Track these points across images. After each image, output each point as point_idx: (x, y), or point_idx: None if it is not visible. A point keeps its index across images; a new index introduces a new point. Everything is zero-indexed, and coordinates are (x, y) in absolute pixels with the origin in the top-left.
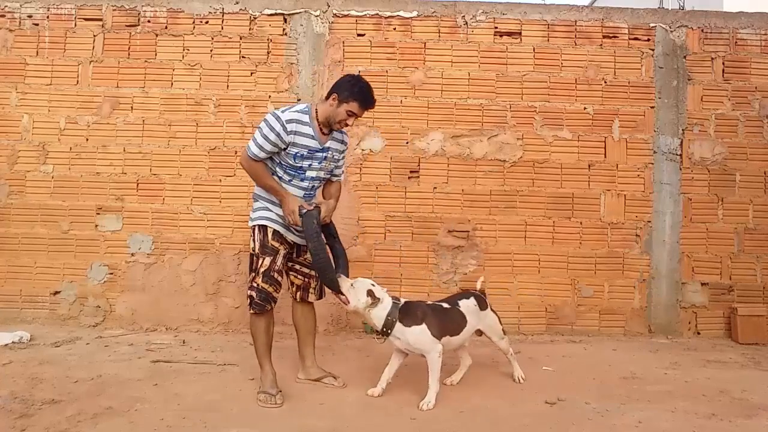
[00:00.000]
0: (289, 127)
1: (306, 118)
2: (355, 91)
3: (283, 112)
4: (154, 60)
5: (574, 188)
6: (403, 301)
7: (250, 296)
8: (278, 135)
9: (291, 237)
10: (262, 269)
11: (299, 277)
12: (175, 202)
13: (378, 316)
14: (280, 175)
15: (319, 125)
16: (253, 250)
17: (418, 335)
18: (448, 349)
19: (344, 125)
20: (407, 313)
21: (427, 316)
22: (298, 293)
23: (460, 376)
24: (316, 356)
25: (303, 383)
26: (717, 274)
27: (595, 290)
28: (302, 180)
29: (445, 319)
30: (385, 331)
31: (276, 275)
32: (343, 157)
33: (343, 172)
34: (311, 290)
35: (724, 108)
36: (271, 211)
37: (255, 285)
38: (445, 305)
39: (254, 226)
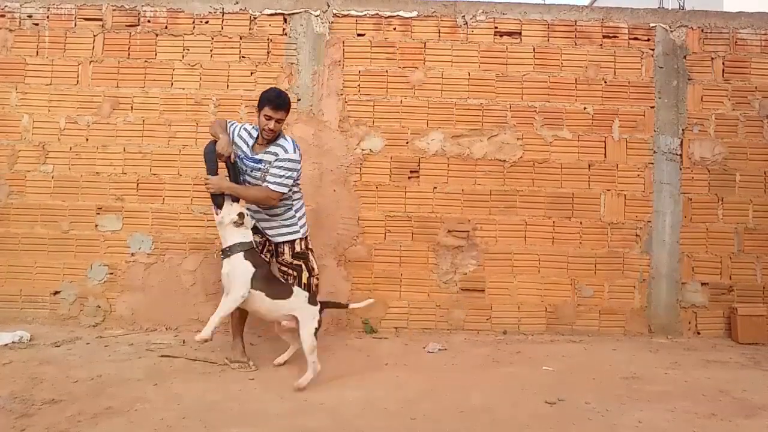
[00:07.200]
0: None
1: (255, 133)
2: (262, 98)
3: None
4: (154, 60)
5: (574, 188)
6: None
7: None
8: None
9: (264, 231)
10: None
11: (280, 275)
12: (175, 202)
13: (232, 237)
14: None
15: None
16: None
17: (238, 266)
18: (257, 310)
19: (269, 131)
20: (253, 254)
21: (261, 267)
22: None
23: (286, 357)
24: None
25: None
26: (717, 274)
27: (595, 290)
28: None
29: (272, 282)
30: (227, 252)
31: None
32: (275, 168)
33: (270, 182)
34: None
35: (724, 108)
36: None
37: None
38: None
39: None
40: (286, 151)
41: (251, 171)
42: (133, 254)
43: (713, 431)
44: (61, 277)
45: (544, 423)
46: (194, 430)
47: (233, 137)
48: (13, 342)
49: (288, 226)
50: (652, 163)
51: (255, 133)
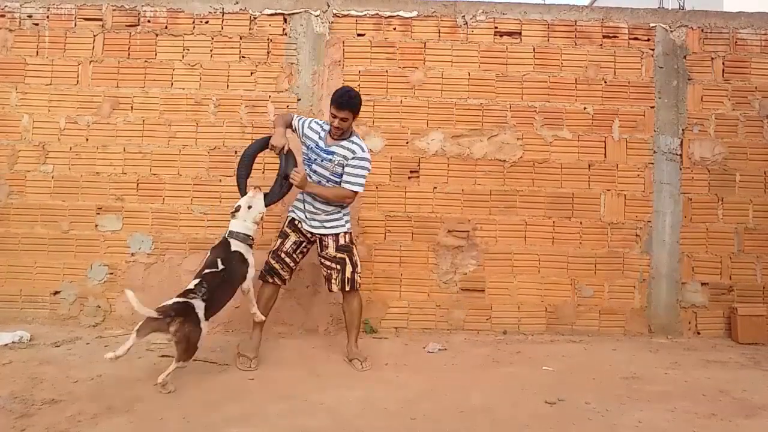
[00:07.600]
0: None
1: (327, 126)
2: (332, 97)
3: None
4: (154, 60)
5: (574, 188)
6: (249, 257)
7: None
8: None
9: (305, 227)
10: (273, 248)
11: (324, 269)
12: (175, 202)
13: (231, 223)
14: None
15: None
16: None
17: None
18: None
19: (335, 129)
20: (222, 245)
21: (213, 255)
22: (326, 284)
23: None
24: (355, 341)
25: (305, 382)
26: (717, 274)
27: (595, 290)
28: (311, 172)
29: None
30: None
31: (283, 255)
32: (352, 167)
33: (350, 183)
34: (333, 281)
35: (724, 108)
36: (296, 202)
37: (266, 260)
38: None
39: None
40: (363, 150)
41: (322, 161)
42: (133, 254)
43: (713, 431)
44: (61, 277)
45: (544, 423)
46: (194, 430)
47: (303, 129)
48: (13, 342)
49: (333, 220)
50: (652, 163)
51: (327, 127)
